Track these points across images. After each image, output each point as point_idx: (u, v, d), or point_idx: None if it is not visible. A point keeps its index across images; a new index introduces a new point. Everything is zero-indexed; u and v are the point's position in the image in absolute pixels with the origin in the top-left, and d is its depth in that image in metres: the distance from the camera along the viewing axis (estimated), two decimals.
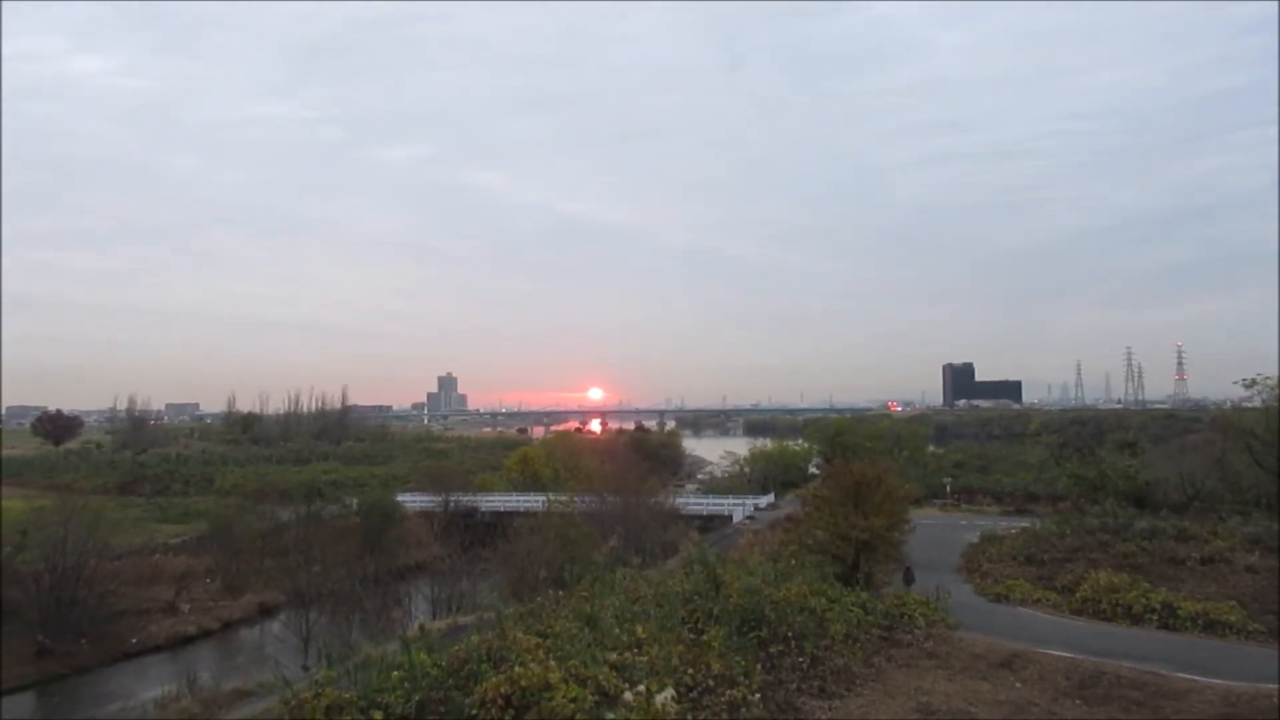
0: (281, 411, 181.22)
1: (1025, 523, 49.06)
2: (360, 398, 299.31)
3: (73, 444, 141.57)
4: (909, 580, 32.92)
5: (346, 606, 37.43)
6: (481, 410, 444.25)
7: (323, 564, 43.52)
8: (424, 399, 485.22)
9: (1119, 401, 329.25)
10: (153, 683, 34.43)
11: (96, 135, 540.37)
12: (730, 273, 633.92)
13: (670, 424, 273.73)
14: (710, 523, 60.71)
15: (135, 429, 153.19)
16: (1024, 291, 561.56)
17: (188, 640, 42.86)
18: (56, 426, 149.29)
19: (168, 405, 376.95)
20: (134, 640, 41.23)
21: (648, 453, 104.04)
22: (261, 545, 53.34)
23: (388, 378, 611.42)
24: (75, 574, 40.52)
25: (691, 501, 67.24)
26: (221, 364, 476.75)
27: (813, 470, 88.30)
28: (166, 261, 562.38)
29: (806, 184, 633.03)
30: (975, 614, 28.89)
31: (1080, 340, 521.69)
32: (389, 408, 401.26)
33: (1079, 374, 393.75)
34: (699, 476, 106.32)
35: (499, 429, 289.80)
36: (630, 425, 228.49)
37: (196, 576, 50.61)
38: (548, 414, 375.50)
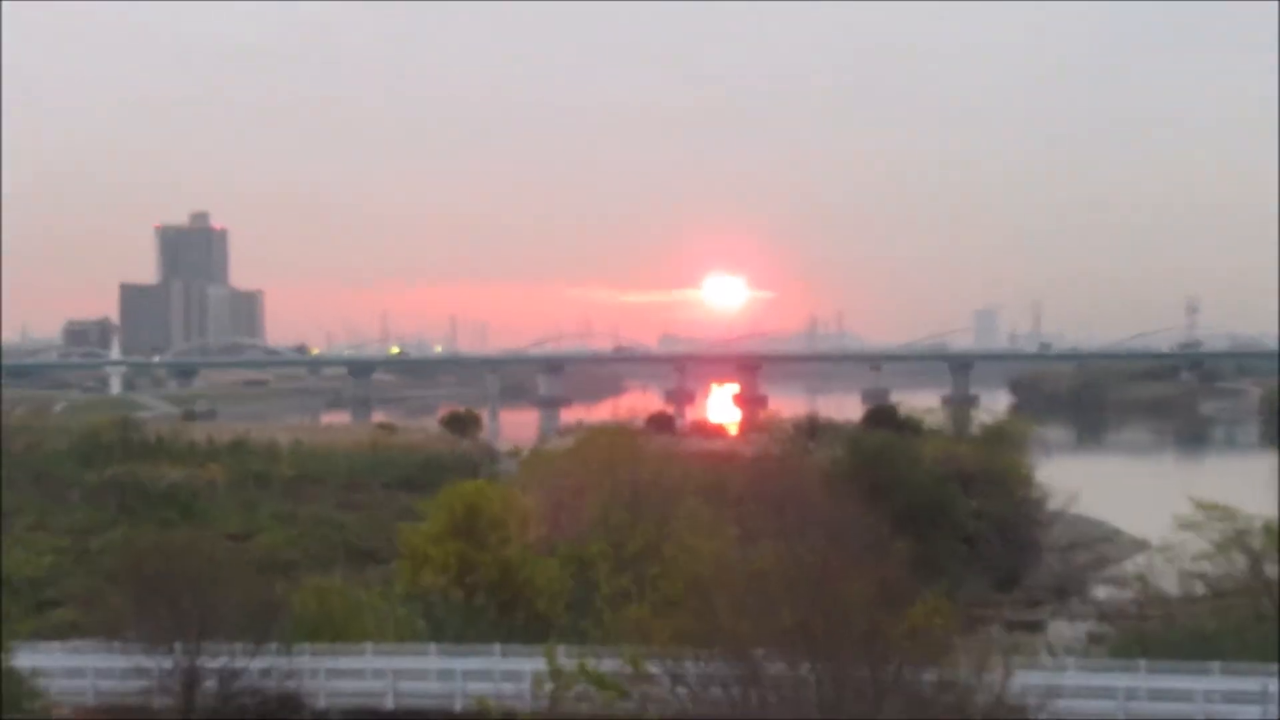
0: None
1: None
2: None
3: None
4: None
5: None
6: (323, 350, 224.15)
7: None
8: (112, 313, 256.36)
9: None
10: None
11: None
12: None
13: (995, 406, 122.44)
14: None
15: None
16: None
17: None
18: None
19: None
20: None
21: (911, 501, 49.08)
22: None
23: None
24: None
25: (1072, 680, 29.20)
26: None
27: None
28: None
29: None
30: None
31: None
32: None
33: None
34: (1094, 595, 53.34)
35: (385, 412, 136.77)
36: (847, 398, 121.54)
37: None
38: (551, 361, 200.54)
